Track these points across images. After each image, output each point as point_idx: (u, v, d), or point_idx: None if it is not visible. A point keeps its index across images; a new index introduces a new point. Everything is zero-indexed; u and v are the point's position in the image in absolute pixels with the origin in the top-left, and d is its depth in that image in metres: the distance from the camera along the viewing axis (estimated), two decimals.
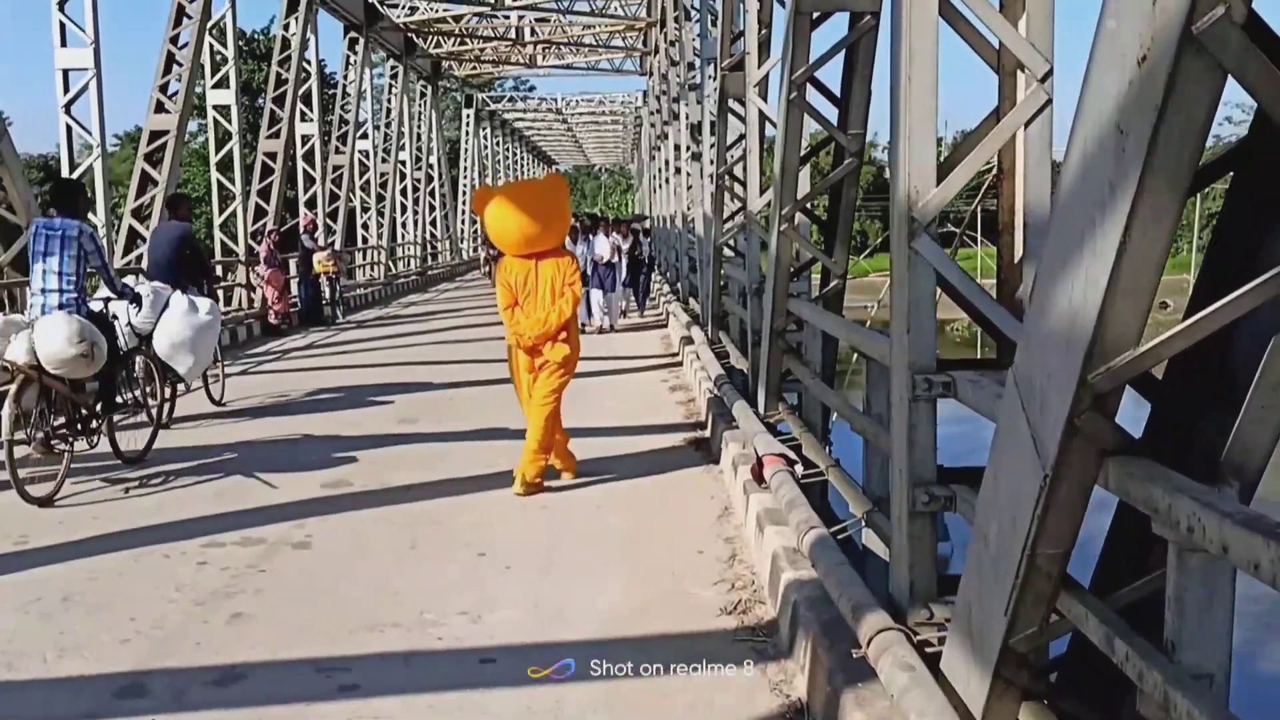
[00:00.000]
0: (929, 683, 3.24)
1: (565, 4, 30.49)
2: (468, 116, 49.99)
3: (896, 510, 4.13)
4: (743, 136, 12.08)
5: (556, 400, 7.60)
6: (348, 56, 28.69)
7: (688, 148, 19.44)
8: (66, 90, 14.20)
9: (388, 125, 33.62)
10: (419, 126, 37.71)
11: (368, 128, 31.05)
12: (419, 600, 5.40)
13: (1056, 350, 2.59)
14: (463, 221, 47.19)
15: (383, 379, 13.08)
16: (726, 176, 13.27)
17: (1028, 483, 2.72)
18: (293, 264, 20.32)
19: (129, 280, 9.59)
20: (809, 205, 8.49)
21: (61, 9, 14.14)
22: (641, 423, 9.95)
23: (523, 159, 67.06)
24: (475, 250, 35.60)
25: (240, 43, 46.15)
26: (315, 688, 4.45)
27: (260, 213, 21.22)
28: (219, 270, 18.67)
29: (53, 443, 7.52)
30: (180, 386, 10.26)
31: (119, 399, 8.40)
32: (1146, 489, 2.43)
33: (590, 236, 17.93)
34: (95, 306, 8.07)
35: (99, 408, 8.07)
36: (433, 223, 40.30)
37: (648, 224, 26.17)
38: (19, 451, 7.30)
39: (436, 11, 31.27)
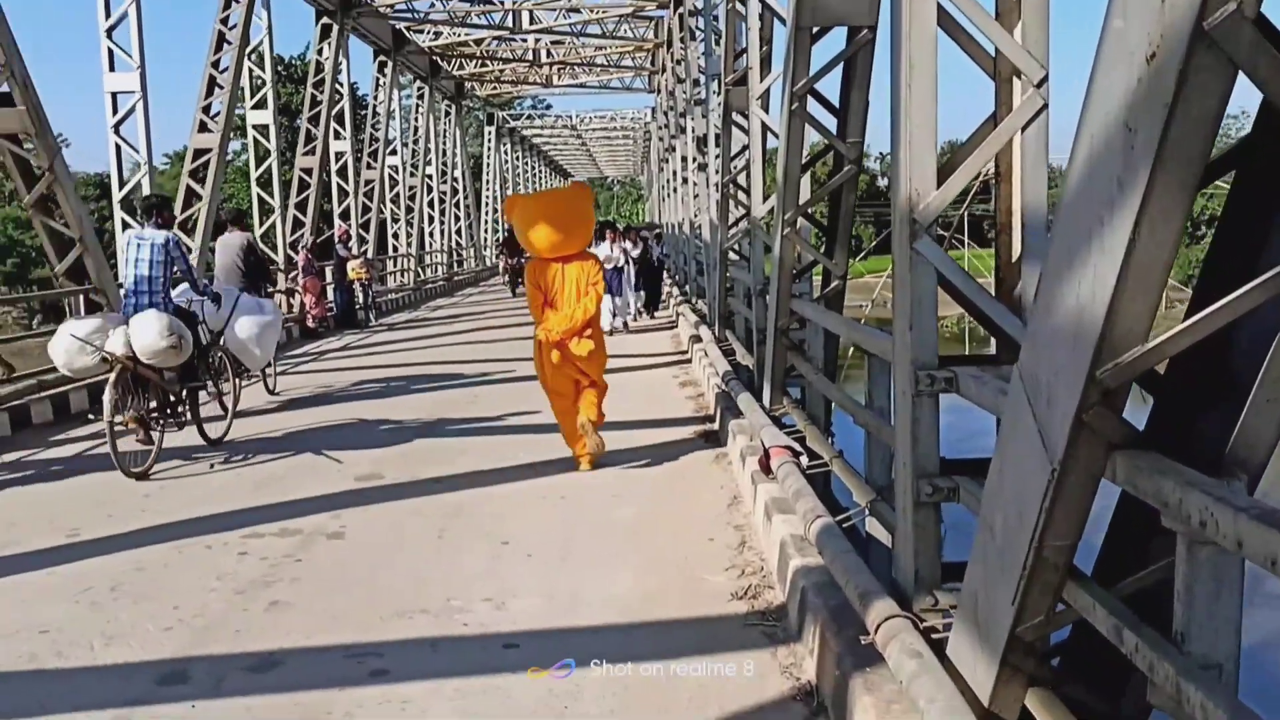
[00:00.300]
0: (937, 669, 3.09)
1: (578, 27, 30.31)
2: (489, 133, 49.99)
3: (901, 501, 3.98)
4: (746, 147, 12.00)
5: (601, 377, 7.89)
6: (377, 79, 28.57)
7: (694, 159, 19.29)
8: (115, 112, 14.11)
9: (415, 142, 33.56)
10: (444, 143, 37.54)
11: (397, 144, 31.00)
12: (446, 587, 5.28)
13: (1064, 347, 2.44)
14: (486, 230, 47.10)
15: (413, 377, 12.96)
16: (731, 185, 13.15)
17: (1035, 477, 2.57)
18: (329, 272, 20.22)
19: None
20: (809, 211, 8.34)
21: (110, 36, 14.05)
22: (654, 417, 9.81)
23: (541, 172, 66.92)
24: (496, 258, 34.79)
25: (279, 68, 46.11)
26: (347, 673, 4.33)
27: (298, 224, 21.17)
28: None
29: (147, 424, 8.02)
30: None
31: (200, 386, 8.84)
32: (1156, 483, 2.27)
33: (597, 241, 17.57)
34: (180, 304, 8.46)
35: (184, 394, 8.51)
36: (458, 232, 40.17)
37: (659, 231, 26.02)
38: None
39: (459, 36, 31.13)
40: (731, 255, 13.85)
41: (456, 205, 39.85)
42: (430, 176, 35.26)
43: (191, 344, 8.27)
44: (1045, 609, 2.75)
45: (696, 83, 18.55)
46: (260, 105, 19.96)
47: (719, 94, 13.60)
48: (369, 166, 27.33)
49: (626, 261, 18.01)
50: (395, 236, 31.42)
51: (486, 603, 5.06)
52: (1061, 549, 2.62)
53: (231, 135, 17.94)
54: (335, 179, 24.88)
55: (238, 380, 9.68)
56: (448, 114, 38.07)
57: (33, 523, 6.69)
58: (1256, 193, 2.55)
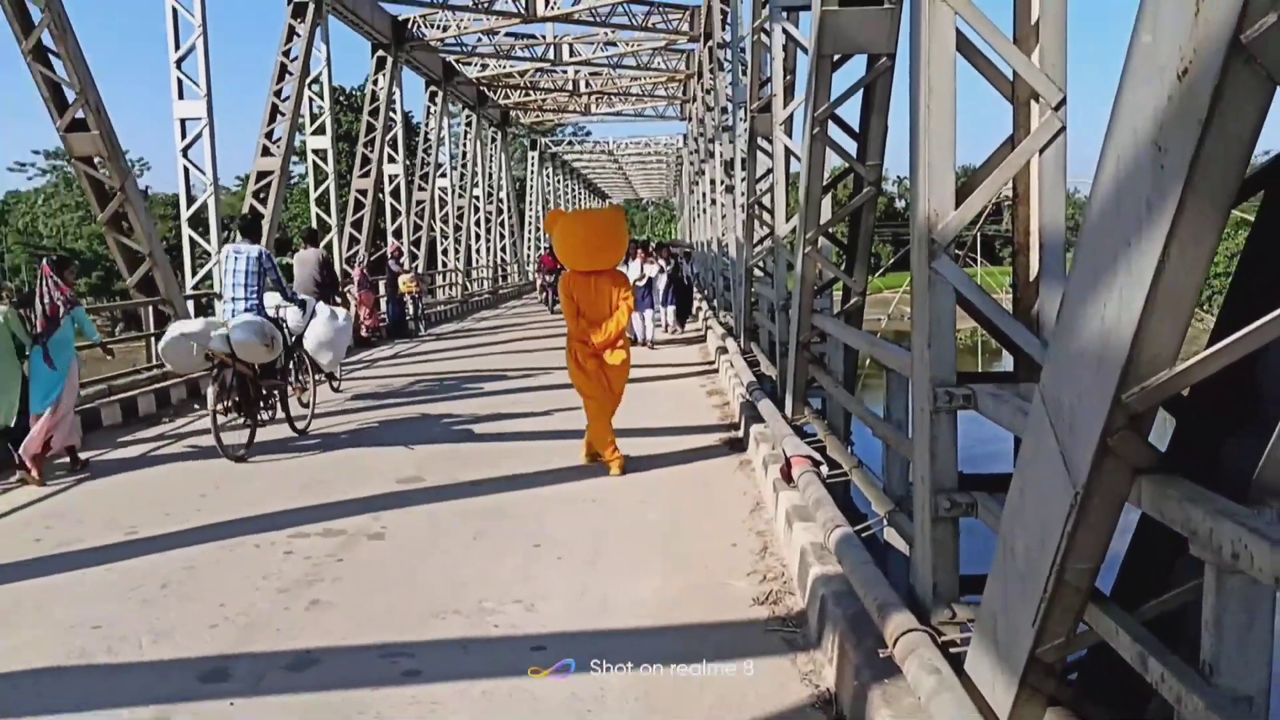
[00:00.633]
0: (955, 687, 2.88)
1: (615, 59, 30.22)
2: (533, 157, 49.98)
3: (919, 516, 3.77)
4: (770, 170, 11.87)
5: (622, 392, 7.94)
6: (429, 107, 28.58)
7: (722, 181, 19.14)
8: (184, 137, 14.10)
9: (463, 165, 33.54)
10: (490, 166, 37.56)
11: (446, 168, 30.94)
12: (479, 589, 5.12)
13: (1088, 370, 2.23)
14: (529, 247, 47.09)
15: (457, 384, 12.88)
16: (756, 206, 13.04)
17: (1057, 500, 2.36)
18: (382, 285, 20.20)
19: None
20: (830, 230, 8.14)
21: (178, 66, 14.04)
22: (681, 424, 9.63)
23: (580, 194, 66.88)
24: (535, 274, 33.37)
25: (339, 97, 46.24)
26: (380, 673, 4.17)
27: (353, 241, 21.16)
28: None
29: (244, 414, 8.57)
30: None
31: (286, 383, 9.36)
32: (1185, 510, 2.06)
33: (628, 260, 17.14)
34: (270, 311, 8.92)
35: (273, 389, 9.06)
36: (502, 249, 40.21)
37: (689, 250, 25.80)
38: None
39: (504, 68, 31.11)
40: (756, 272, 13.71)
41: (501, 224, 39.92)
42: (477, 198, 35.26)
43: (281, 344, 8.80)
44: (1066, 631, 2.54)
45: (724, 110, 18.39)
46: (319, 131, 19.94)
47: (745, 120, 13.46)
48: (420, 188, 27.30)
49: (660, 276, 17.67)
50: (444, 253, 31.41)
51: (517, 604, 4.90)
52: (1084, 572, 2.41)
53: (293, 159, 17.91)
54: (389, 199, 24.90)
55: (314, 378, 10.03)
56: (494, 140, 38.09)
57: (97, 521, 6.61)
58: None
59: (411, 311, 20.88)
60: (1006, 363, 4.27)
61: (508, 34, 27.37)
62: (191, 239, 14.58)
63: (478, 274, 35.93)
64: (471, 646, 4.43)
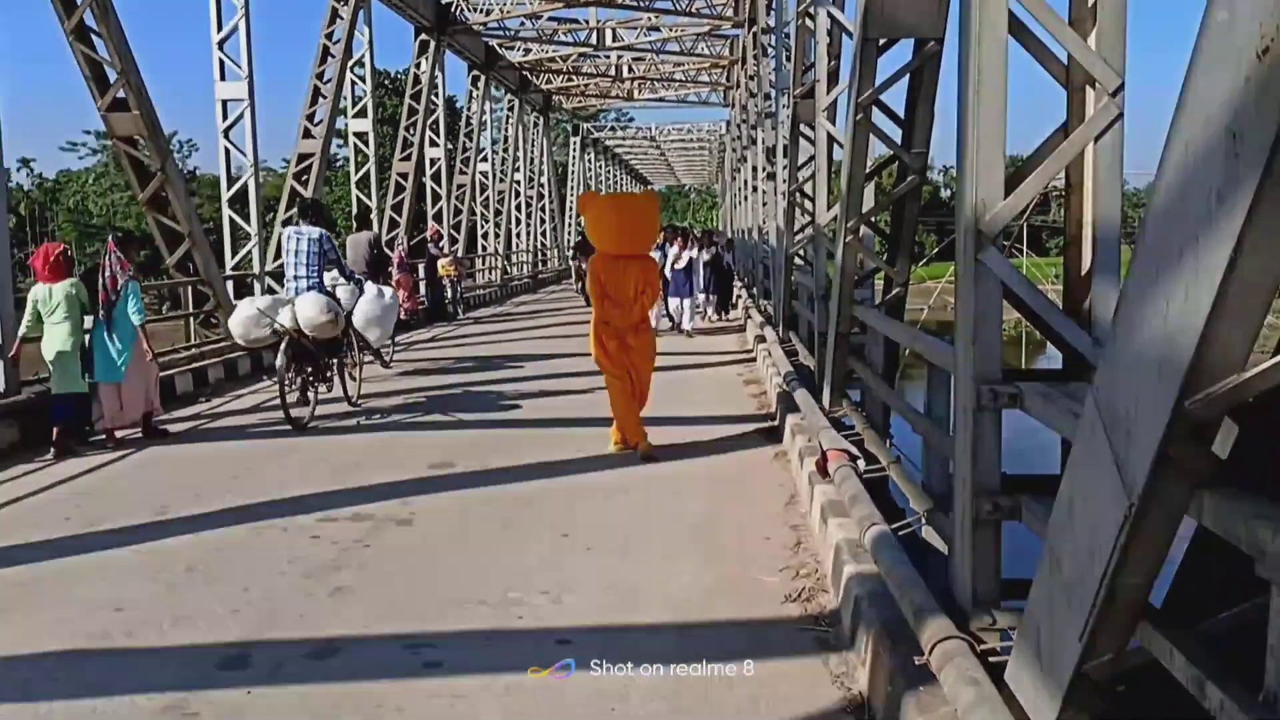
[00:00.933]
0: (995, 700, 2.73)
1: (658, 45, 29.99)
2: (574, 143, 49.90)
3: (960, 518, 3.61)
4: (812, 157, 11.69)
5: (650, 377, 7.98)
6: (471, 91, 28.52)
7: (764, 168, 18.91)
8: (225, 118, 14.11)
9: (505, 150, 33.44)
10: (532, 151, 37.55)
11: (488, 152, 30.84)
12: (505, 578, 5.04)
13: (1147, 374, 2.07)
14: (569, 232, 47.03)
15: (493, 368, 12.86)
16: (798, 194, 12.89)
17: (1109, 510, 2.21)
18: (421, 268, 20.21)
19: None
20: (873, 219, 7.96)
21: (220, 48, 14.05)
22: (718, 413, 9.50)
23: (621, 179, 66.75)
24: (570, 260, 32.38)
25: (383, 81, 46.37)
26: (402, 664, 4.10)
27: (393, 224, 21.13)
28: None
29: (308, 384, 9.13)
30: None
31: (344, 356, 9.97)
32: (1252, 529, 1.90)
33: (666, 246, 16.79)
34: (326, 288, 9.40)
35: (333, 361, 9.63)
36: (542, 234, 40.15)
37: (730, 238, 25.58)
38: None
39: (547, 52, 31.00)
40: (797, 260, 13.54)
41: (542, 209, 39.84)
42: (518, 182, 35.18)
43: (344, 320, 9.41)
44: (1115, 648, 2.39)
45: (767, 96, 18.16)
46: (361, 114, 19.92)
47: (788, 107, 13.30)
48: (461, 172, 27.34)
49: (696, 258, 17.30)
50: (484, 237, 31.36)
51: (544, 595, 4.81)
52: (1136, 587, 2.25)
53: (335, 142, 17.92)
54: (429, 183, 24.89)
55: (362, 354, 10.56)
56: (536, 125, 38.03)
57: (127, 500, 6.61)
58: None
59: (450, 295, 20.89)
60: (1053, 357, 4.10)
61: (550, 19, 27.27)
62: (232, 220, 14.61)
63: (517, 258, 35.91)
64: (495, 639, 4.35)
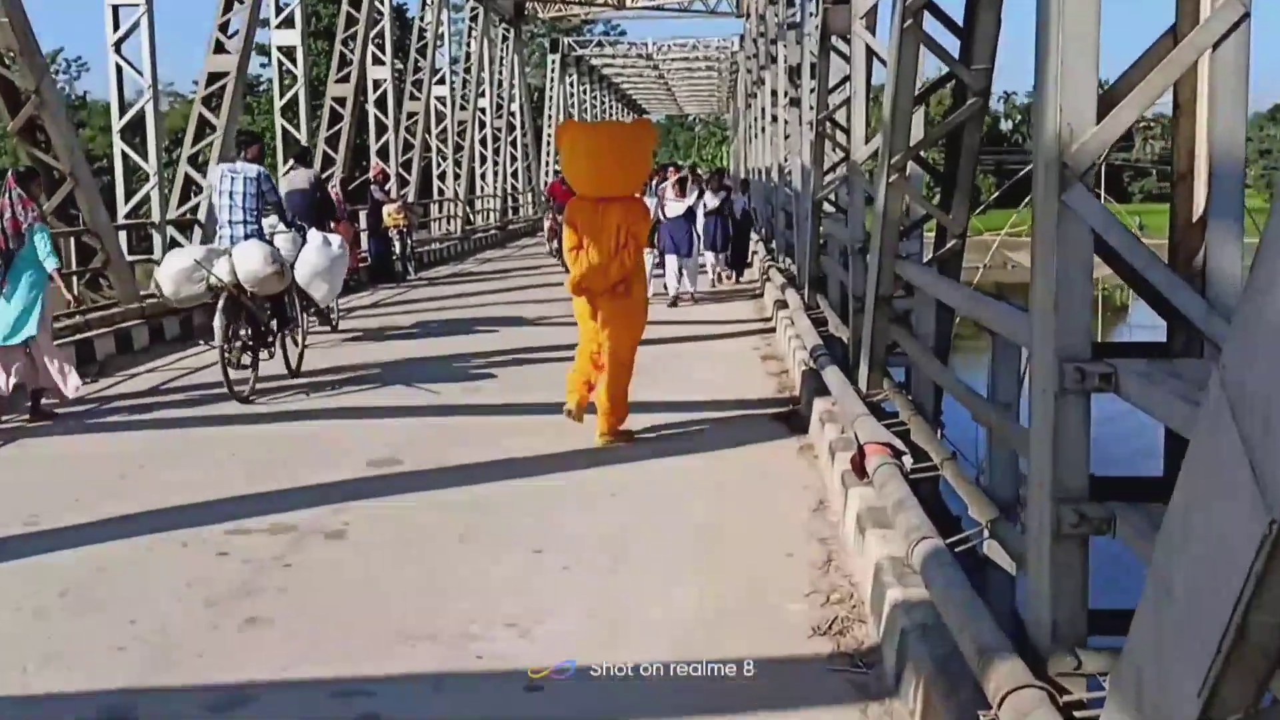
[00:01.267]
0: None
1: None
2: (553, 62, 49.59)
3: (1036, 531, 3.48)
4: (847, 78, 11.56)
5: (627, 357, 7.84)
6: None
7: (785, 93, 18.78)
8: (116, 28, 13.88)
9: (467, 70, 33.29)
10: (500, 72, 37.31)
11: (445, 73, 30.70)
12: (462, 605, 4.98)
13: None
14: (546, 173, 46.88)
15: (451, 342, 12.80)
16: (828, 123, 12.72)
17: (1242, 527, 2.06)
18: (363, 217, 20.06)
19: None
20: (922, 153, 7.83)
21: None
22: (728, 396, 9.51)
23: (612, 108, 66.52)
24: (542, 214, 31.98)
25: None
26: (330, 716, 3.99)
27: (328, 162, 20.99)
28: None
29: (245, 348, 9.39)
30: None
31: (291, 317, 10.33)
32: None
33: (657, 186, 16.39)
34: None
35: (274, 324, 9.90)
36: (514, 174, 40.03)
37: (743, 177, 25.41)
38: None
39: None
40: (826, 207, 13.46)
41: (513, 144, 39.75)
42: (483, 110, 35.03)
43: (290, 273, 9.76)
44: (1246, 704, 2.25)
45: (790, 3, 18.01)
46: (287, 24, 19.75)
47: (816, 15, 13.18)
48: (412, 97, 27.18)
49: (696, 205, 16.90)
50: (441, 178, 31.30)
51: (510, 629, 4.72)
52: (1275, 628, 2.11)
53: (259, 60, 17.70)
54: (373, 111, 24.85)
55: (305, 314, 10.95)
56: (505, 39, 37.80)
57: None
58: None
59: (399, 250, 20.84)
60: (1139, 328, 3.97)
61: None
62: (126, 156, 14.42)
63: (482, 205, 35.87)
64: (447, 684, 4.26)
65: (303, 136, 20.07)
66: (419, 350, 12.20)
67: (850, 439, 6.43)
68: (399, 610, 4.92)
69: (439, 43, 28.93)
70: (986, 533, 4.98)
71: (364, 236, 19.77)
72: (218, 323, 9.02)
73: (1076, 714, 3.05)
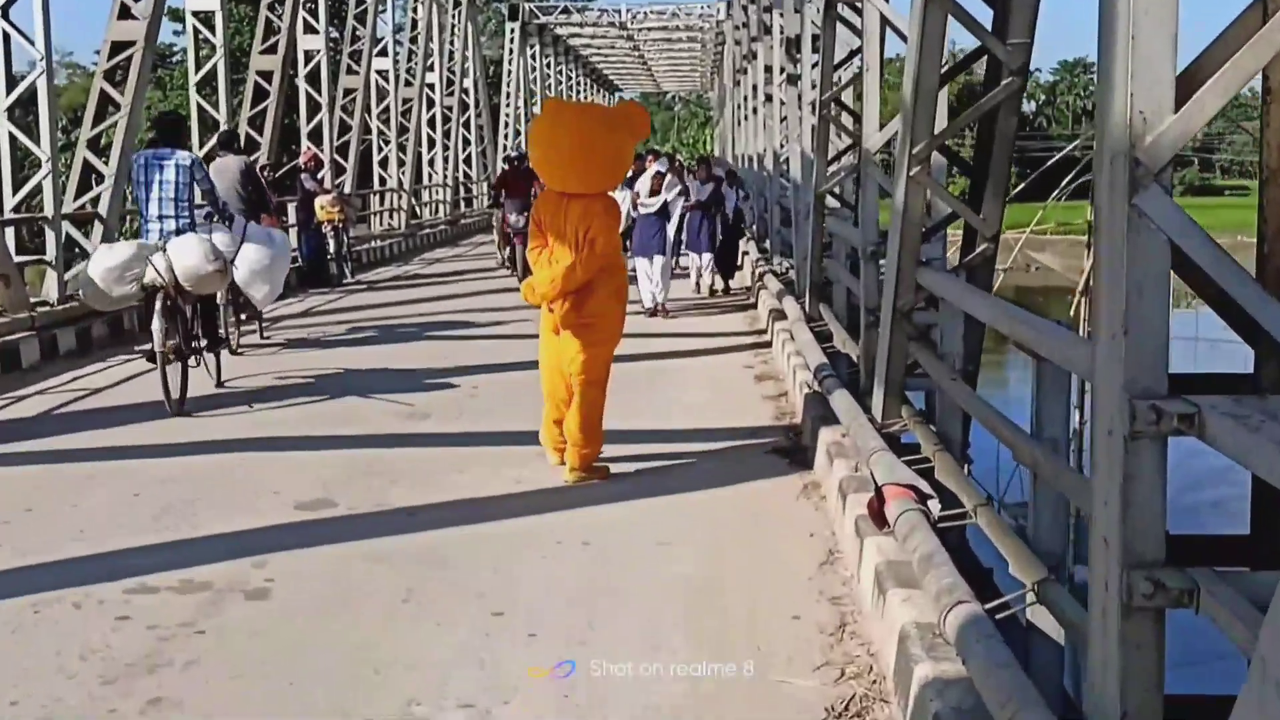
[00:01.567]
0: None
1: None
2: (512, 31, 49.73)
3: (1100, 603, 3.36)
4: (855, 52, 11.56)
5: (596, 377, 7.72)
6: None
7: (782, 69, 18.90)
8: None
9: (413, 40, 33.53)
10: (451, 43, 37.48)
11: (388, 44, 30.77)
12: (406, 681, 4.88)
13: None
14: (504, 160, 47.02)
15: (393, 359, 12.74)
16: (833, 104, 12.71)
17: None
18: (291, 210, 19.97)
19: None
20: (947, 142, 7.79)
21: None
22: (718, 424, 9.46)
23: (580, 84, 66.71)
24: (489, 206, 32.16)
25: None
26: None
27: (252, 145, 20.89)
28: None
29: (183, 355, 9.64)
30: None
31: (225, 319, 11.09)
32: None
33: (634, 177, 16.15)
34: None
35: (203, 329, 10.25)
36: (466, 160, 40.22)
37: (730, 167, 25.40)
38: None
39: None
40: (831, 201, 13.43)
41: (466, 125, 40.00)
42: (431, 86, 35.23)
43: (231, 272, 10.19)
44: None
45: None
46: None
47: None
48: (350, 71, 27.29)
49: (673, 203, 16.73)
50: (383, 165, 31.37)
51: (464, 710, 4.61)
52: None
53: (171, 28, 17.52)
54: (304, 86, 24.85)
55: (239, 316, 11.53)
56: (457, 4, 37.93)
57: None
58: None
59: (333, 249, 20.90)
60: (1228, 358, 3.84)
61: None
62: (13, 138, 14.23)
63: (430, 196, 36.02)
64: None
65: (222, 116, 19.94)
66: (358, 361, 12.24)
67: (865, 478, 6.40)
68: (331, 687, 4.83)
69: (381, 8, 28.98)
70: (1033, 596, 4.86)
71: (294, 233, 19.67)
72: (156, 326, 9.30)
73: None
